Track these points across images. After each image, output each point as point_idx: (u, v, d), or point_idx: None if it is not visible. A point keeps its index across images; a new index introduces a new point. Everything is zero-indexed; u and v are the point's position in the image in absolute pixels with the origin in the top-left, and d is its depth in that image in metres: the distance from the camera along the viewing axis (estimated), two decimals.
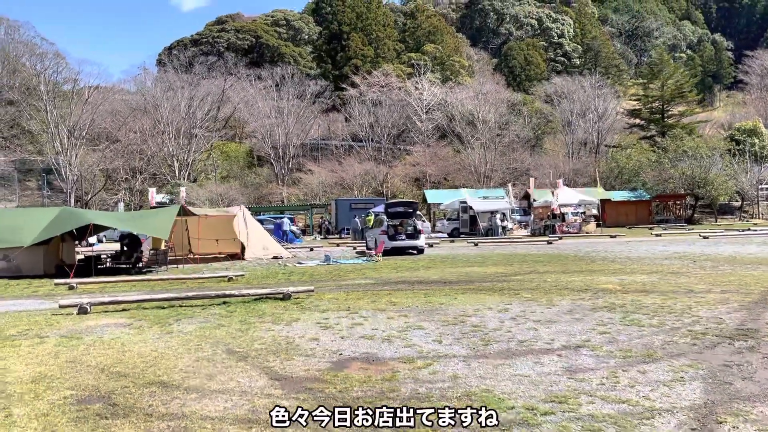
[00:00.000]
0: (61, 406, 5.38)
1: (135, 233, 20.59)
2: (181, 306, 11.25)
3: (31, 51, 62.61)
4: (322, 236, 44.21)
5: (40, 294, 14.02)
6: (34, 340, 8.30)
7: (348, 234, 42.48)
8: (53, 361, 7.03)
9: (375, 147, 65.77)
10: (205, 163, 65.90)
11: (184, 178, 57.93)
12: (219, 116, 65.90)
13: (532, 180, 45.92)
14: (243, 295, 11.61)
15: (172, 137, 59.47)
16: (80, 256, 21.03)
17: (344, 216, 43.50)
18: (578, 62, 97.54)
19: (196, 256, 22.42)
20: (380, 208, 40.97)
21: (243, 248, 23.76)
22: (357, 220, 37.46)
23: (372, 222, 37.00)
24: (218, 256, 23.93)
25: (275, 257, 23.43)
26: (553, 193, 40.03)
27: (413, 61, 76.59)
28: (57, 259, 19.05)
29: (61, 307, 10.65)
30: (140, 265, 20.18)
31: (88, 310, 10.63)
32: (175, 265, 20.29)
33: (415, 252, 24.05)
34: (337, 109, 69.46)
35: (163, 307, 11.11)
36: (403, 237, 23.71)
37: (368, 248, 25.91)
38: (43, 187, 55.56)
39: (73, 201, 51.17)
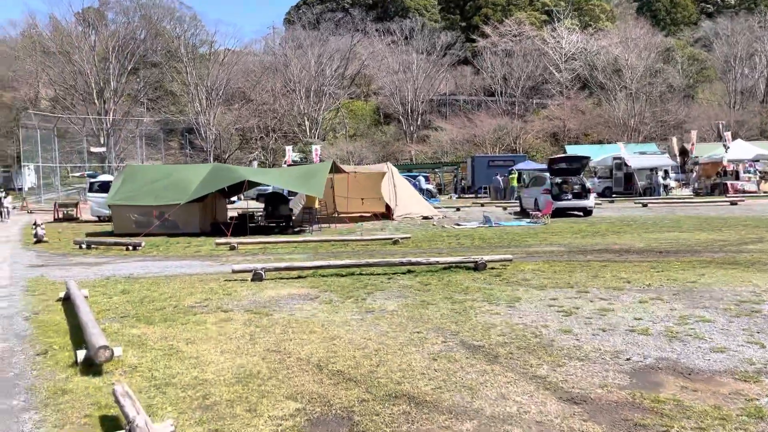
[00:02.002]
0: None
1: (279, 191, 19.70)
2: (361, 274, 9.75)
3: (171, 15, 64.81)
4: (457, 195, 42.13)
5: (203, 254, 13.23)
6: (218, 316, 7.04)
7: (485, 193, 40.12)
8: (252, 349, 5.61)
9: (508, 101, 62.02)
10: (333, 121, 65.74)
11: (314, 137, 58.02)
12: (346, 74, 65.06)
13: (693, 133, 40.74)
14: (430, 263, 9.88)
15: (302, 96, 59.52)
16: (231, 214, 20.55)
17: (481, 174, 41.04)
18: (733, 1, 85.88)
19: (346, 216, 21.27)
20: (525, 165, 38.27)
21: (388, 207, 22.32)
22: (499, 178, 34.91)
23: (515, 180, 34.48)
24: (364, 215, 22.72)
25: (425, 217, 21.75)
26: (725, 146, 34.88)
27: (548, 7, 71.00)
28: (212, 217, 18.57)
29: (234, 272, 9.51)
30: (289, 224, 19.28)
31: (263, 276, 9.40)
32: (327, 225, 19.19)
33: (581, 214, 21.34)
34: (468, 62, 66.08)
35: (342, 275, 9.66)
36: (569, 196, 21.02)
37: (523, 208, 23.55)
38: (185, 146, 57.91)
39: (212, 159, 52.80)
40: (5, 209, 24.57)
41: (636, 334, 5.86)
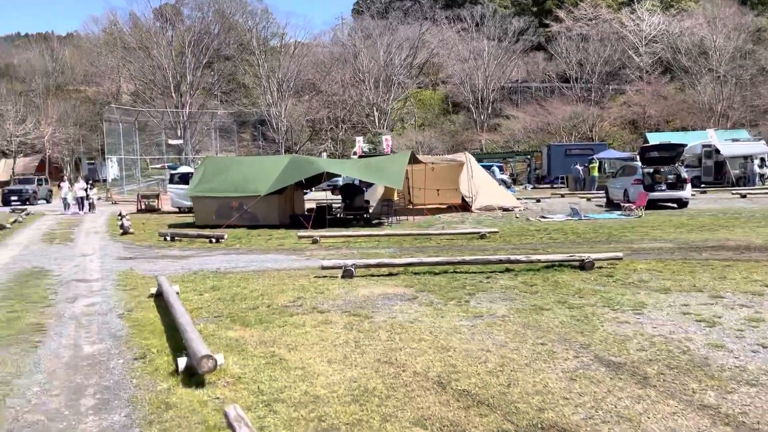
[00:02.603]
0: None
1: (349, 181, 19.26)
2: (456, 272, 9.12)
3: (243, 8, 65.83)
4: (532, 185, 40.70)
5: (286, 247, 12.95)
6: (315, 317, 6.59)
7: (561, 183, 38.54)
8: (360, 359, 5.10)
9: (583, 87, 59.50)
10: (401, 111, 65.18)
11: (383, 127, 57.66)
12: (415, 63, 64.25)
13: None
14: (531, 262, 9.13)
15: (371, 86, 59.20)
16: (309, 205, 20.35)
17: (558, 163, 39.42)
18: None
19: (423, 207, 20.65)
20: (606, 154, 36.47)
21: (464, 199, 21.54)
22: (578, 167, 33.31)
23: (596, 170, 32.81)
24: (440, 207, 22.04)
25: (505, 209, 20.83)
26: None
27: None
28: (290, 209, 18.38)
29: (323, 268, 9.09)
30: (366, 216, 18.85)
31: (353, 273, 8.94)
32: (404, 217, 18.64)
33: (675, 206, 19.87)
34: (541, 48, 63.78)
35: (435, 273, 9.07)
36: (663, 187, 19.58)
37: (610, 200, 22.21)
38: (258, 138, 58.78)
39: (283, 151, 53.38)
40: (92, 200, 25.39)
41: None
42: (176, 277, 9.35)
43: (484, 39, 59.96)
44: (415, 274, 9.06)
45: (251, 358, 5.19)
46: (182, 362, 4.79)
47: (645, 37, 58.82)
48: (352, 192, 19.25)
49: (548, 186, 39.37)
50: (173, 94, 53.16)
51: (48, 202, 35.69)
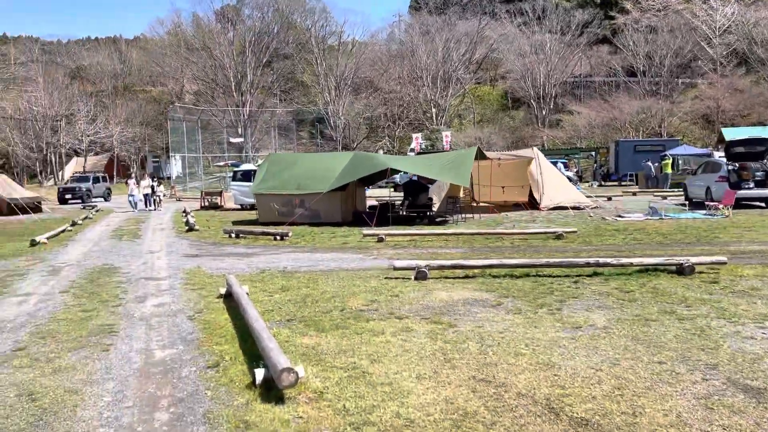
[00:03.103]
0: None
1: (407, 178, 18.72)
2: (538, 275, 8.47)
3: (302, 7, 66.30)
4: (598, 182, 39.13)
5: (351, 246, 12.56)
6: (394, 324, 6.10)
7: (630, 180, 36.87)
8: (453, 375, 4.57)
9: (651, 81, 56.93)
10: (458, 107, 64.21)
11: (440, 124, 56.91)
12: (473, 58, 63.13)
13: None
14: (622, 265, 8.37)
15: (428, 82, 58.51)
16: (371, 203, 19.96)
17: (626, 160, 37.72)
18: None
19: (488, 205, 19.93)
20: (680, 150, 34.63)
21: (531, 196, 20.68)
22: (650, 164, 31.67)
23: (669, 166, 31.12)
24: (504, 204, 21.25)
25: (576, 207, 19.86)
26: None
27: None
28: (353, 206, 18.04)
29: (395, 269, 8.61)
30: (430, 213, 18.29)
31: (427, 275, 8.42)
32: (470, 215, 17.99)
33: (763, 205, 18.43)
34: (605, 41, 61.47)
35: (516, 276, 8.45)
36: (751, 184, 18.18)
37: (689, 198, 20.88)
38: (316, 136, 59.06)
39: (341, 148, 53.39)
40: (158, 197, 25.83)
41: None
42: (244, 276, 9.07)
43: (545, 32, 58.30)
44: (494, 277, 8.47)
45: (332, 370, 4.74)
46: (260, 374, 4.38)
47: (718, 28, 55.80)
48: (416, 189, 18.72)
49: (615, 183, 37.81)
50: (234, 93, 54.05)
51: (106, 200, 34.95)
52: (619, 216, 16.73)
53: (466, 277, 8.60)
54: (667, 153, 32.20)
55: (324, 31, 66.14)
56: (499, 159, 19.98)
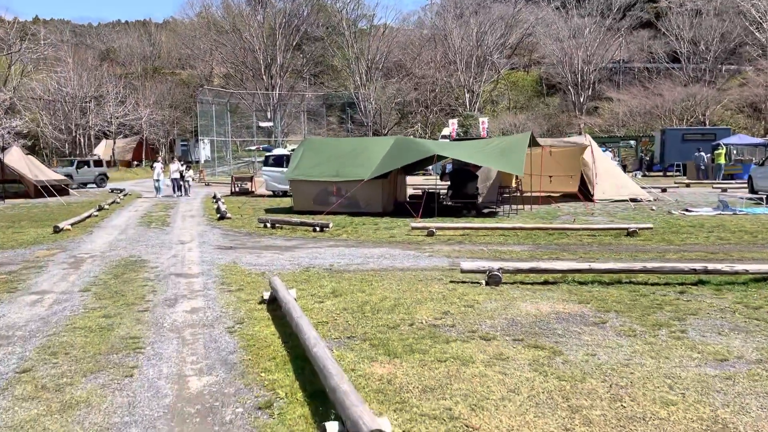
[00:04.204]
0: None
1: (464, 167, 17.41)
2: (631, 282, 7.20)
3: None
4: (642, 172, 37.27)
5: (398, 240, 11.37)
6: (481, 347, 4.91)
7: (677, 170, 34.97)
8: None
9: (696, 68, 54.37)
10: (492, 93, 62.38)
11: (473, 109, 55.24)
12: (509, 42, 61.12)
13: None
14: (736, 273, 7.05)
15: (462, 67, 56.76)
16: (412, 191, 18.74)
17: (673, 149, 35.79)
18: None
19: (540, 196, 18.60)
20: (735, 140, 32.62)
21: (582, 187, 19.24)
22: (702, 154, 29.80)
23: (722, 157, 29.24)
24: (552, 194, 19.88)
25: (632, 199, 18.42)
26: None
27: None
28: (393, 195, 16.84)
29: (463, 272, 7.40)
30: (477, 204, 16.98)
31: (501, 279, 7.21)
32: (520, 206, 16.68)
33: None
34: (647, 26, 58.91)
35: (605, 283, 7.19)
36: None
37: (755, 191, 19.26)
38: (346, 121, 57.82)
39: (371, 134, 52.10)
40: (187, 182, 24.91)
41: None
42: (286, 275, 7.96)
43: (585, 16, 56.00)
44: (580, 283, 7.21)
45: (420, 421, 3.58)
46: (332, 429, 3.23)
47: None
48: (464, 178, 17.37)
49: (660, 174, 35.92)
50: (263, 76, 53.02)
51: (99, 186, 31.34)
52: (687, 210, 15.25)
53: (546, 282, 7.36)
54: (721, 142, 30.28)
55: (355, 13, 64.66)
56: (551, 147, 18.54)
